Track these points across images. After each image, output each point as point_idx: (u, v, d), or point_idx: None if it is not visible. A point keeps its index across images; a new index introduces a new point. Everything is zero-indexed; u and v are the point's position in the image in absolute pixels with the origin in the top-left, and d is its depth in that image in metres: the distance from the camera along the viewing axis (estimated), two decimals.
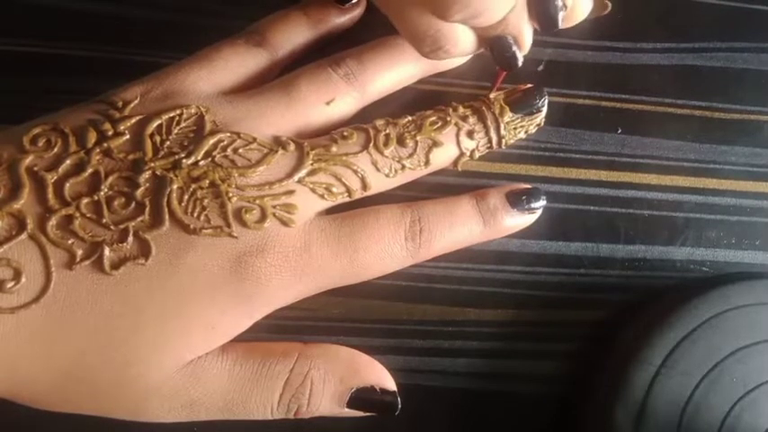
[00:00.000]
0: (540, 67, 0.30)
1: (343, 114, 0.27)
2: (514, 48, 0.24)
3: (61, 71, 0.29)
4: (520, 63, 0.25)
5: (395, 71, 0.28)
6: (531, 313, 0.28)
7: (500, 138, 0.27)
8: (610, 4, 0.26)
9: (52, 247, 0.21)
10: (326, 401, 0.25)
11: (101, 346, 0.22)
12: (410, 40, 0.24)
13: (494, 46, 0.25)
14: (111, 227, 0.22)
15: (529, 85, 0.28)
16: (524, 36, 0.24)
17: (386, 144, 0.25)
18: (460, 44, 0.24)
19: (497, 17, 0.23)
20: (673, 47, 0.30)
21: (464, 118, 0.27)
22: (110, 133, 0.23)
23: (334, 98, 0.26)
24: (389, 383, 0.26)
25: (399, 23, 0.24)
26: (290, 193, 0.24)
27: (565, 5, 0.24)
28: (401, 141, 0.26)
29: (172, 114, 0.24)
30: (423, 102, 0.28)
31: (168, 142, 0.23)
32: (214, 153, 0.23)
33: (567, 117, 0.29)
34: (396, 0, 0.23)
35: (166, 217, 0.22)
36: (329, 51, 0.28)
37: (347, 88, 0.27)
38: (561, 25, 0.24)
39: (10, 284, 0.21)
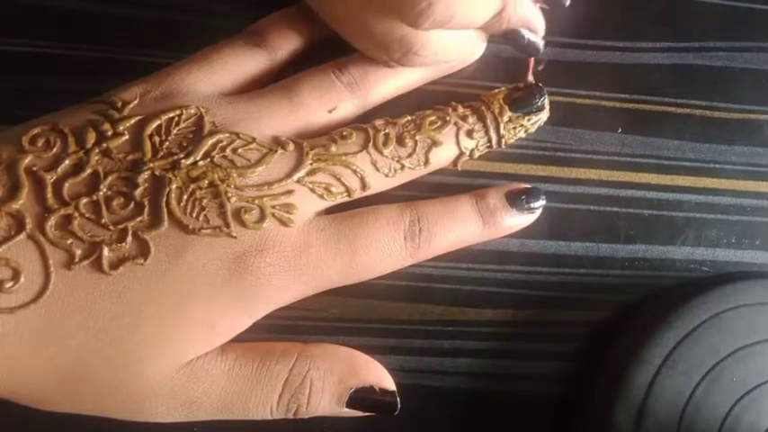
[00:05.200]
0: (540, 67, 0.30)
1: (343, 119, 0.27)
2: (527, 35, 0.25)
3: (61, 71, 0.29)
4: (541, 47, 0.26)
5: (397, 78, 0.28)
6: (531, 313, 0.28)
7: (500, 137, 0.27)
8: None
9: (51, 247, 0.21)
10: (326, 401, 0.25)
11: (100, 346, 0.22)
12: (377, 50, 0.25)
13: (508, 39, 0.26)
14: (110, 227, 0.22)
15: (529, 82, 0.28)
16: (532, 22, 0.25)
17: (385, 144, 0.25)
18: (432, 45, 0.24)
19: (476, 20, 0.23)
20: (673, 46, 0.30)
21: (463, 117, 0.27)
22: (109, 133, 0.23)
23: (336, 106, 0.26)
24: (389, 383, 0.26)
25: (361, 35, 0.25)
26: (290, 193, 0.24)
27: None
28: (400, 141, 0.26)
29: (171, 115, 0.24)
30: (423, 102, 0.28)
31: (167, 143, 0.23)
32: (213, 153, 0.23)
33: (567, 117, 0.29)
34: (353, 13, 0.24)
35: (165, 217, 0.22)
36: (329, 52, 0.28)
37: (350, 96, 0.27)
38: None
39: (9, 284, 0.21)
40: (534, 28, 0.26)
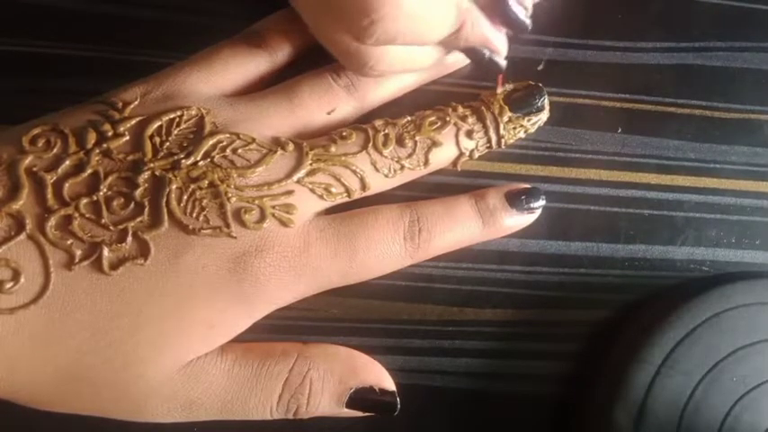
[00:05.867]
0: (540, 67, 0.30)
1: (342, 121, 0.27)
2: (488, 54, 0.25)
3: (61, 71, 0.29)
4: (502, 65, 0.26)
5: (394, 81, 0.28)
6: (531, 313, 0.28)
7: (499, 137, 0.27)
8: None
9: (51, 248, 0.21)
10: (325, 401, 0.25)
11: (100, 346, 0.22)
12: (338, 59, 0.25)
13: (468, 56, 0.26)
14: (111, 227, 0.22)
15: (528, 83, 0.28)
16: (492, 42, 0.25)
17: (385, 144, 0.25)
18: (387, 60, 0.24)
19: (430, 37, 0.24)
20: (673, 46, 0.30)
21: (463, 118, 0.27)
22: (109, 134, 0.23)
23: (335, 108, 0.26)
24: (388, 383, 0.26)
25: (326, 43, 0.25)
26: (289, 193, 0.24)
27: (525, 7, 0.24)
28: (400, 141, 0.26)
29: (172, 116, 0.24)
30: (423, 102, 0.28)
31: (168, 143, 0.23)
32: (213, 153, 0.23)
33: (566, 117, 0.29)
34: (322, 20, 0.24)
35: (165, 217, 0.22)
36: (329, 53, 0.28)
37: (347, 98, 0.27)
38: (531, 25, 0.25)
39: (9, 285, 0.21)
40: (494, 48, 0.25)
